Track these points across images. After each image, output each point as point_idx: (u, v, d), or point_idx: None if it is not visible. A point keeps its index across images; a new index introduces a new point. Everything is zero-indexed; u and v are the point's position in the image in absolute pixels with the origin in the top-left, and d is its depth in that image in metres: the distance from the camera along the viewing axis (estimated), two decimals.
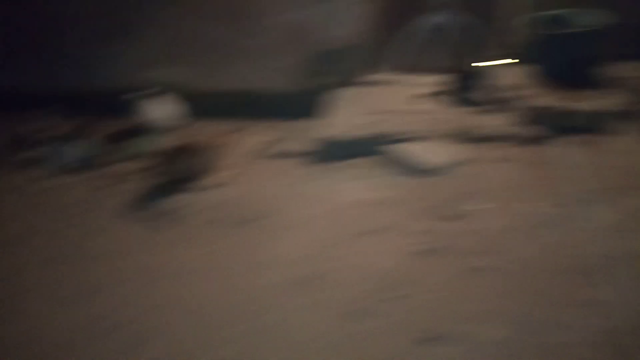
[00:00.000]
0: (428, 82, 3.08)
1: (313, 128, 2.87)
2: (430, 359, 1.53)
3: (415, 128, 2.72)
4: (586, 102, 2.67)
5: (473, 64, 3.04)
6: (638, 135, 2.58)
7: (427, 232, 2.10)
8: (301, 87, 3.16)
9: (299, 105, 3.06)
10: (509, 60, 3.13)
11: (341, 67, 3.18)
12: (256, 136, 3.03)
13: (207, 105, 3.16)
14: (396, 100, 2.98)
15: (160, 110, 3.07)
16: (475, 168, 2.50)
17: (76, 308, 1.86)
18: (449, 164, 2.51)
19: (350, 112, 2.89)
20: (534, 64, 2.96)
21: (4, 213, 2.54)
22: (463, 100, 2.89)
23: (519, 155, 2.56)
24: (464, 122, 2.75)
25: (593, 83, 2.81)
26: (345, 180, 2.54)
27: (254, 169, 2.75)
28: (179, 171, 2.68)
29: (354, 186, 2.49)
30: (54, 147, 2.91)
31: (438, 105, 2.92)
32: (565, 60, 2.82)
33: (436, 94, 2.98)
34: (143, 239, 2.26)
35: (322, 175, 2.60)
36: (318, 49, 3.14)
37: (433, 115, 2.83)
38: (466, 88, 2.92)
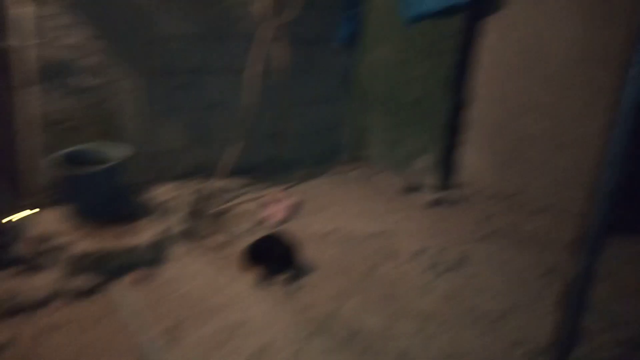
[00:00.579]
0: None
1: None
2: None
3: None
4: (131, 237, 2.58)
5: None
6: (192, 258, 2.62)
7: None
8: None
9: None
10: (37, 208, 2.72)
11: None
12: None
13: None
14: None
15: None
16: (21, 351, 1.97)
17: None
18: None
19: None
20: (68, 206, 2.66)
21: None
22: None
23: (73, 316, 2.19)
24: None
25: (133, 214, 2.76)
26: None
27: None
28: None
29: None
30: None
31: None
32: (98, 198, 2.68)
33: None
34: None
35: None
36: None
37: None
38: None
